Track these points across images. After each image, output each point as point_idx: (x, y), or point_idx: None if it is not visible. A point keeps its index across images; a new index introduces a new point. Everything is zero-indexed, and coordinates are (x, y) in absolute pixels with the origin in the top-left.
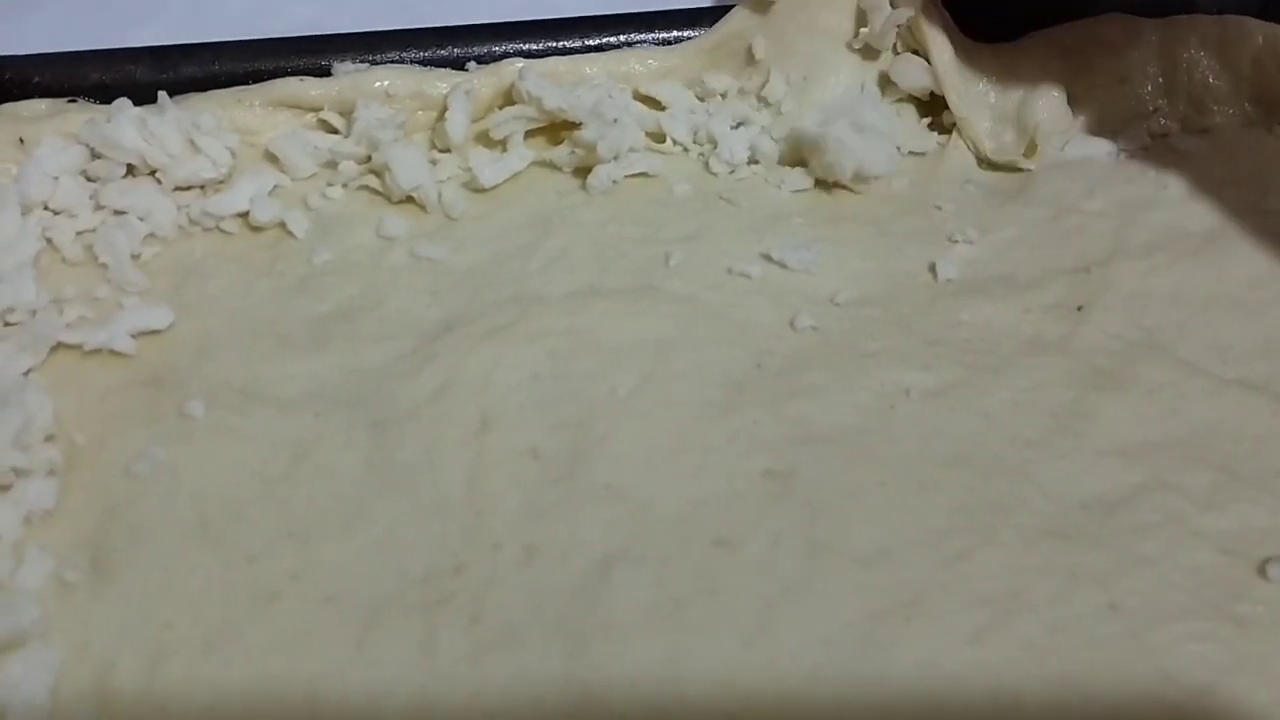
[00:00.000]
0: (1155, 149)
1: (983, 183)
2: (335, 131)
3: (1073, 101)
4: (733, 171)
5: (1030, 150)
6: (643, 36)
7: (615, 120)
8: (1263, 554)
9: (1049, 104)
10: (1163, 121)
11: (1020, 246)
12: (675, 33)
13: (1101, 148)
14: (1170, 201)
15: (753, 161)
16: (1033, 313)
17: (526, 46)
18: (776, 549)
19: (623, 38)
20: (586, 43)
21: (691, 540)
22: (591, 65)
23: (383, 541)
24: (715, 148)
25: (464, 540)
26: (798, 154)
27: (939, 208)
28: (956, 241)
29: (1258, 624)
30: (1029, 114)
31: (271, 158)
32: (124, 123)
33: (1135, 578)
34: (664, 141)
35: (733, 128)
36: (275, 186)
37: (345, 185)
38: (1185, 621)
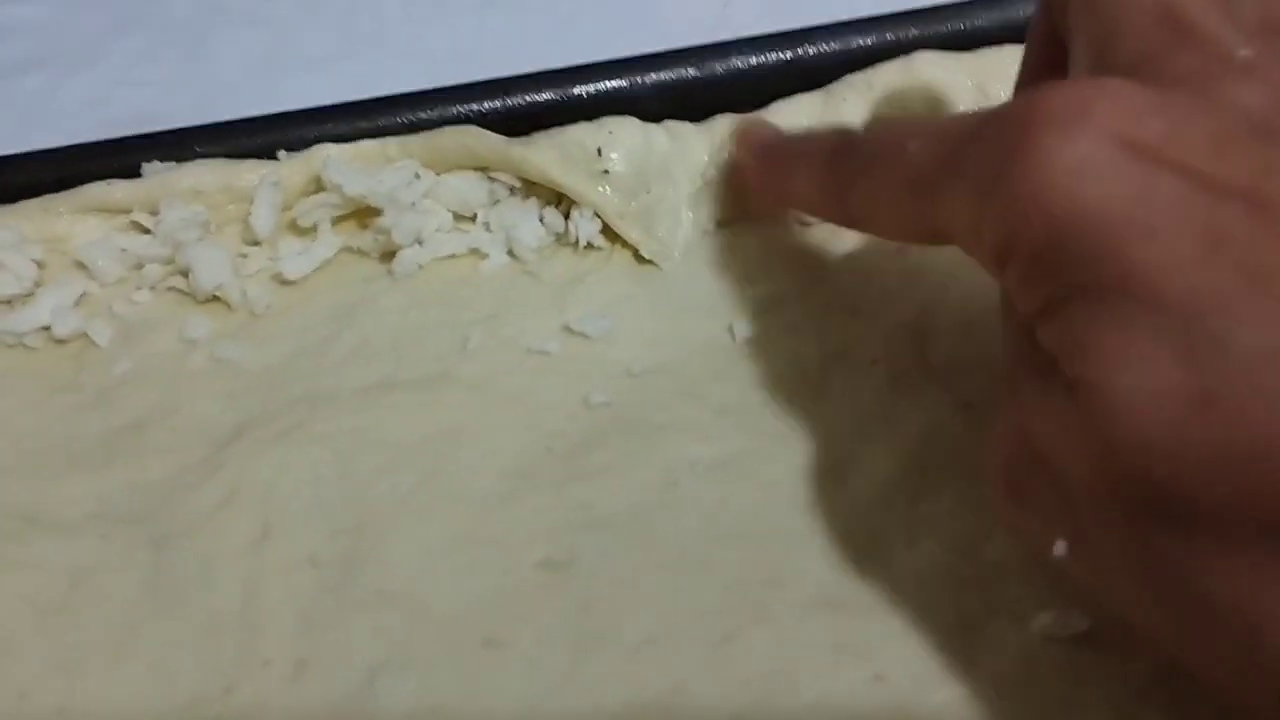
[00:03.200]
0: None
1: (784, 233)
2: (148, 232)
3: None
4: (539, 249)
5: None
6: (454, 110)
7: (413, 205)
8: (1032, 607)
9: None
10: None
11: (818, 301)
12: (487, 103)
13: None
14: None
15: (560, 239)
16: (816, 365)
17: (336, 130)
18: (545, 645)
19: (435, 113)
20: (397, 121)
21: (460, 642)
22: (397, 147)
23: (153, 667)
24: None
25: (235, 659)
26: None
27: (740, 261)
28: (755, 299)
29: (1019, 682)
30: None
31: (78, 265)
32: None
33: (902, 644)
34: (473, 219)
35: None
36: (83, 295)
37: (153, 288)
38: (949, 688)
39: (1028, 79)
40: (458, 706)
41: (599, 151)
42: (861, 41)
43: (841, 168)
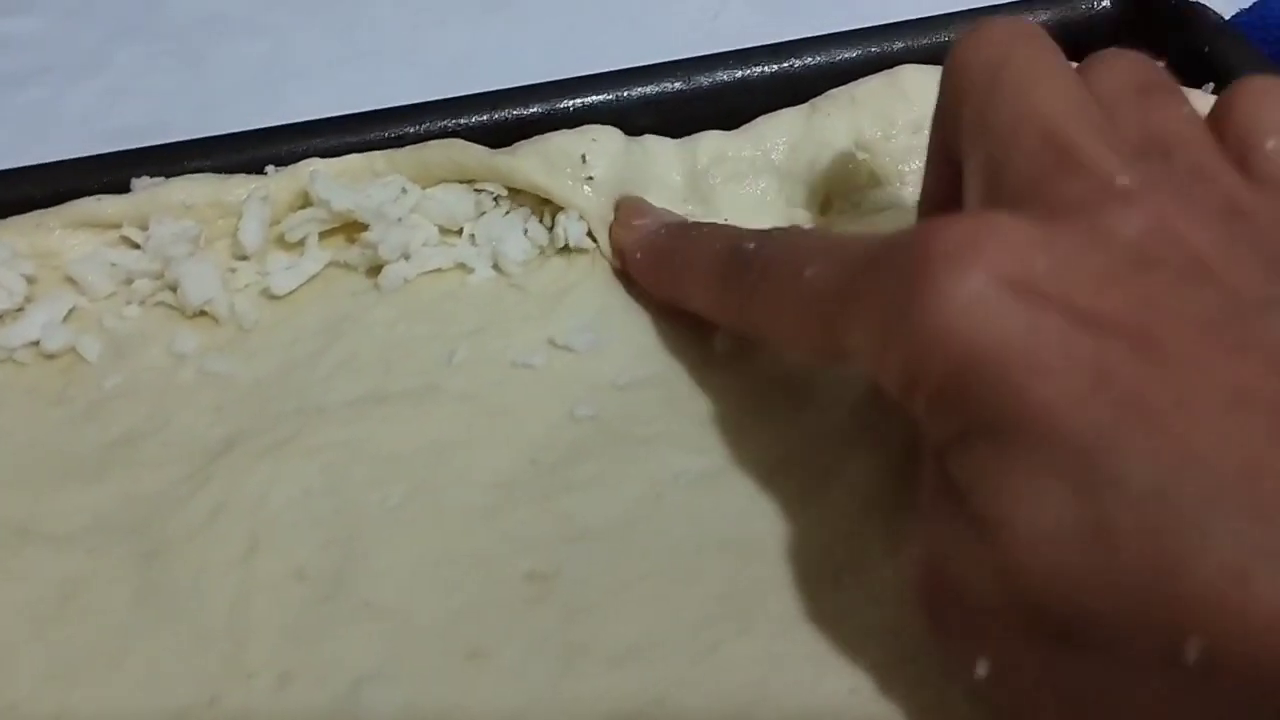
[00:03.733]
0: None
1: None
2: (138, 247)
3: (871, 156)
4: (524, 262)
5: (825, 206)
6: (442, 124)
7: (400, 219)
8: None
9: (843, 158)
10: None
11: None
12: (471, 118)
13: (898, 200)
14: None
15: (544, 250)
16: (799, 376)
17: (325, 144)
18: (529, 657)
19: (423, 127)
20: (385, 135)
21: (445, 654)
22: (384, 161)
23: (143, 680)
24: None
25: (221, 671)
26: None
27: None
28: None
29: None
30: (821, 169)
31: (71, 280)
32: None
33: (880, 655)
34: (459, 232)
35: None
36: (72, 309)
37: (142, 303)
38: (926, 700)
39: (927, 201)
40: (442, 718)
41: (583, 158)
42: (846, 54)
43: (735, 282)
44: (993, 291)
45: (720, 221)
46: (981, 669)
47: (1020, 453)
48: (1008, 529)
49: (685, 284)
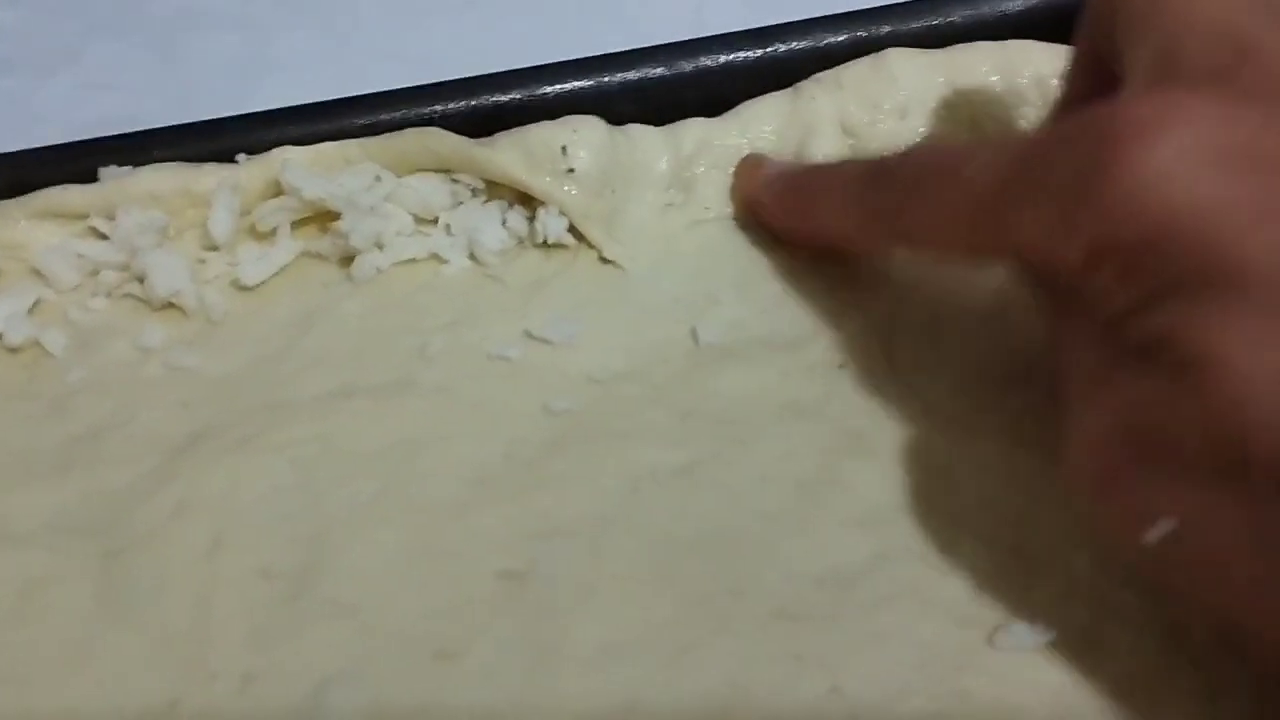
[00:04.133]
0: None
1: (749, 234)
2: (106, 238)
3: (857, 140)
4: (501, 253)
5: None
6: (416, 111)
7: (372, 208)
8: (995, 620)
9: (830, 144)
10: None
11: (783, 303)
12: (449, 104)
13: None
14: None
15: (522, 242)
16: (791, 375)
17: (296, 132)
18: (500, 656)
19: (397, 114)
20: (358, 123)
21: (412, 654)
22: (357, 149)
23: (102, 681)
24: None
25: (183, 673)
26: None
27: (704, 263)
28: (720, 301)
29: (981, 696)
30: (808, 156)
31: (37, 272)
32: None
33: (861, 657)
34: (435, 222)
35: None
36: (37, 302)
37: (109, 295)
38: (908, 701)
39: (1075, 99)
40: (409, 719)
41: (563, 150)
42: (832, 39)
43: (882, 194)
44: (1189, 155)
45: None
46: (1160, 529)
47: (1237, 301)
48: (1226, 375)
49: (822, 213)
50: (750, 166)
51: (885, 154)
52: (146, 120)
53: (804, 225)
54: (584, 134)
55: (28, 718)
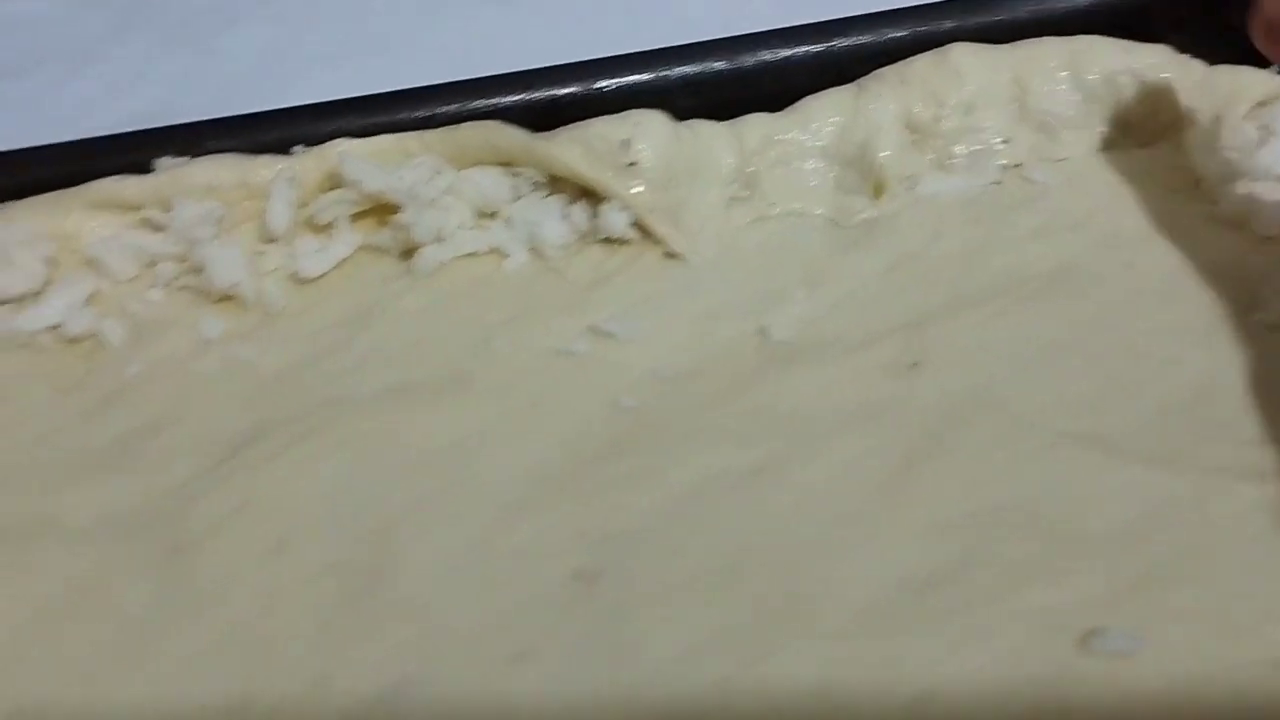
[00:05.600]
0: (1009, 182)
1: (827, 231)
2: (161, 229)
3: (921, 137)
4: (563, 247)
5: (877, 190)
6: (474, 105)
7: (433, 201)
8: (1085, 626)
9: (894, 141)
10: (1015, 152)
11: (855, 301)
12: (508, 97)
13: (953, 184)
14: (1016, 241)
15: (584, 236)
16: (864, 374)
17: (353, 125)
18: (576, 659)
19: (455, 108)
20: (415, 115)
21: (487, 656)
22: (417, 142)
23: (169, 678)
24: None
25: (252, 670)
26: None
27: (770, 260)
28: (788, 299)
29: (1078, 701)
30: (873, 152)
31: (90, 263)
32: None
33: (953, 661)
34: (493, 216)
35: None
36: (93, 293)
37: (166, 286)
38: (1005, 706)
39: None
40: None
41: (626, 144)
42: (894, 34)
43: None
44: None
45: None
46: None
47: None
48: None
49: None
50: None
51: None
52: (179, 114)
53: None
54: (646, 128)
55: (92, 711)
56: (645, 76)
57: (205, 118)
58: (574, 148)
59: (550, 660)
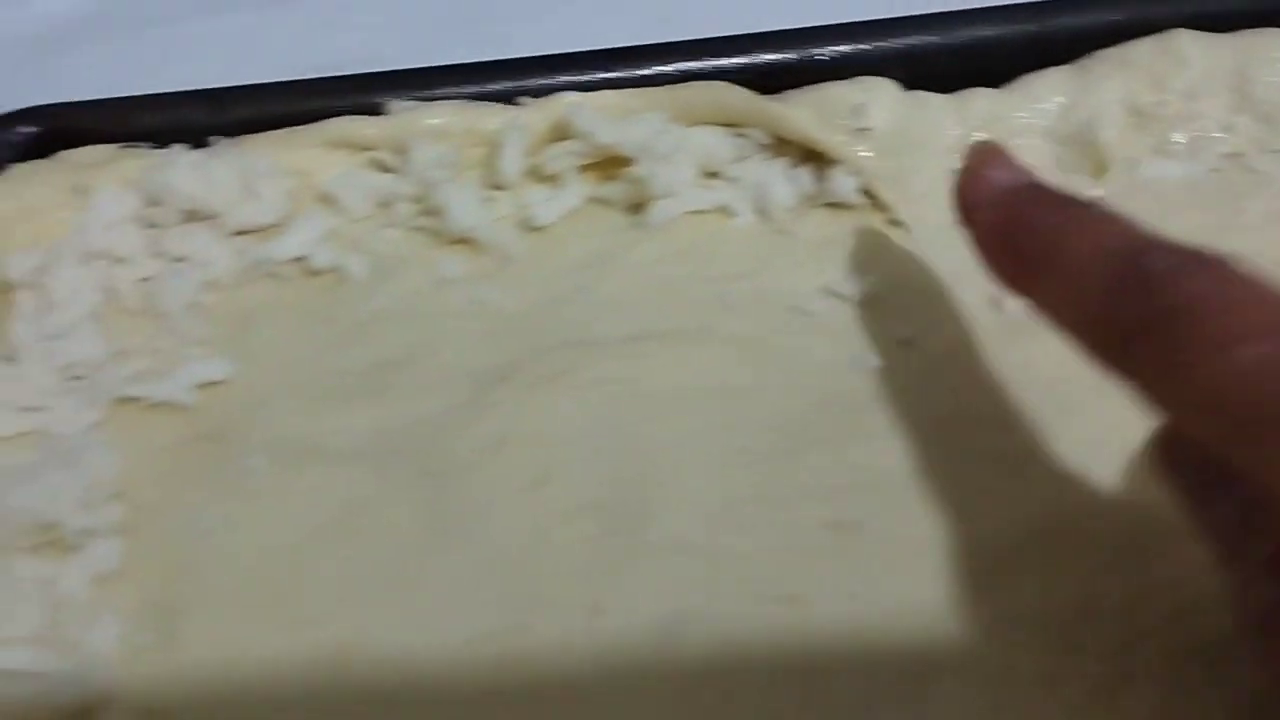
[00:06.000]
0: (1230, 170)
1: None
2: (388, 170)
3: (1142, 120)
4: (790, 209)
5: (1098, 171)
6: (694, 65)
7: (666, 156)
8: None
9: (1117, 121)
10: (1235, 141)
11: None
12: (725, 60)
13: (1174, 170)
14: (1248, 227)
15: (809, 199)
16: None
17: (577, 79)
18: (850, 607)
19: (676, 67)
20: (638, 73)
21: (762, 595)
22: (640, 99)
23: (439, 599)
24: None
25: (526, 598)
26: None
27: None
28: None
29: None
30: (1096, 133)
31: (325, 199)
32: (182, 168)
33: None
34: (715, 175)
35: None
36: (331, 229)
37: (400, 226)
38: None
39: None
40: (760, 659)
41: (857, 110)
42: (1111, 18)
43: (1126, 307)
44: None
45: (1099, 201)
46: None
47: None
48: None
49: (1045, 278)
50: (981, 160)
51: (1153, 239)
52: (379, 60)
53: (1015, 276)
54: (878, 95)
55: (367, 630)
56: (863, 46)
57: (406, 65)
58: (805, 110)
59: (824, 605)
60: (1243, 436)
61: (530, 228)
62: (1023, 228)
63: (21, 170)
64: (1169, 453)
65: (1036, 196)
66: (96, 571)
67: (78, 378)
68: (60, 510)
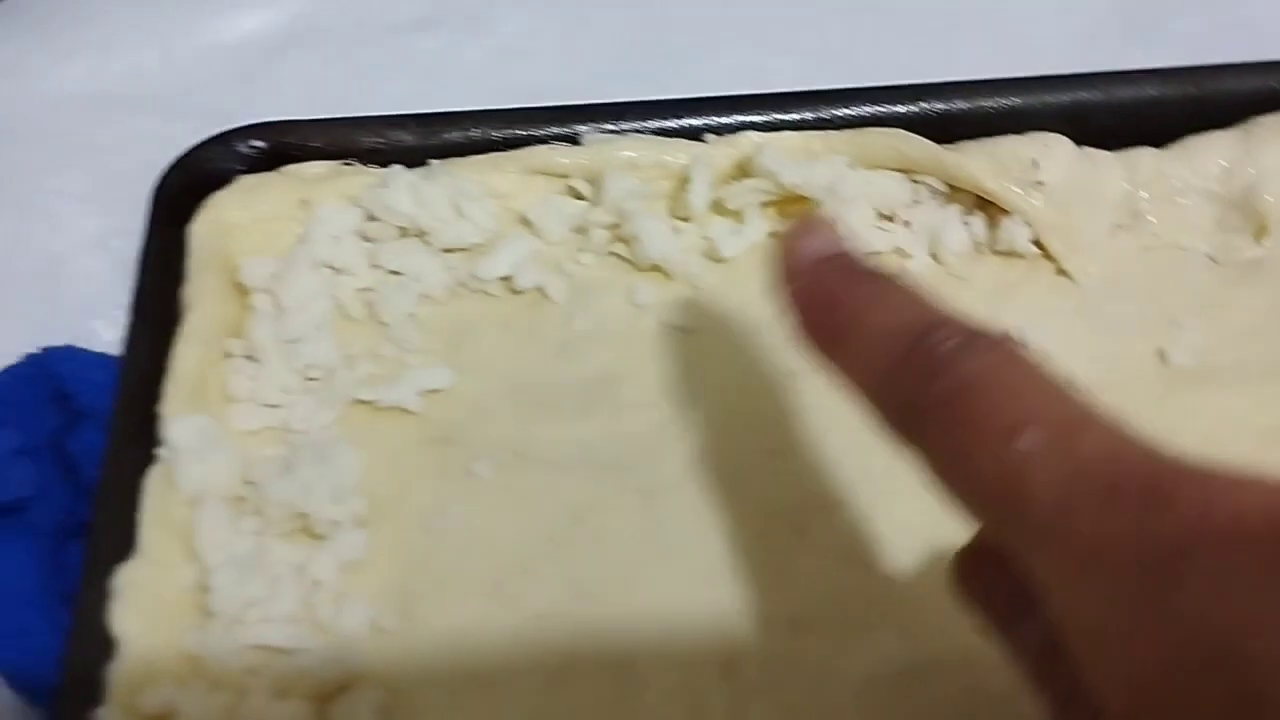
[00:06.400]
0: None
1: (1207, 266)
2: (580, 198)
3: None
4: (963, 255)
5: (1260, 234)
6: (870, 110)
7: (850, 199)
8: None
9: (1278, 187)
10: None
11: (1252, 334)
12: (893, 106)
13: None
14: None
15: (979, 247)
16: (1269, 404)
17: (757, 118)
18: None
19: (851, 111)
20: (815, 116)
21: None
22: (820, 141)
23: (661, 611)
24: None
25: (734, 613)
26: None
27: (1156, 287)
28: (1181, 325)
29: None
30: (1258, 196)
31: (524, 222)
32: (400, 188)
33: None
34: (890, 219)
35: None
36: (532, 250)
37: (594, 252)
38: None
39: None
40: None
41: (1034, 163)
42: (1271, 84)
43: (912, 383)
44: None
45: (910, 281)
46: None
47: None
48: None
49: (842, 351)
50: (798, 229)
51: (948, 319)
52: (557, 93)
53: (816, 343)
54: (1055, 150)
55: (593, 626)
56: (1029, 100)
57: (583, 98)
58: (981, 160)
59: None
60: (1020, 534)
61: (714, 259)
62: (826, 299)
63: (249, 181)
64: (977, 568)
65: (842, 268)
66: (344, 560)
67: (314, 379)
68: (313, 502)
